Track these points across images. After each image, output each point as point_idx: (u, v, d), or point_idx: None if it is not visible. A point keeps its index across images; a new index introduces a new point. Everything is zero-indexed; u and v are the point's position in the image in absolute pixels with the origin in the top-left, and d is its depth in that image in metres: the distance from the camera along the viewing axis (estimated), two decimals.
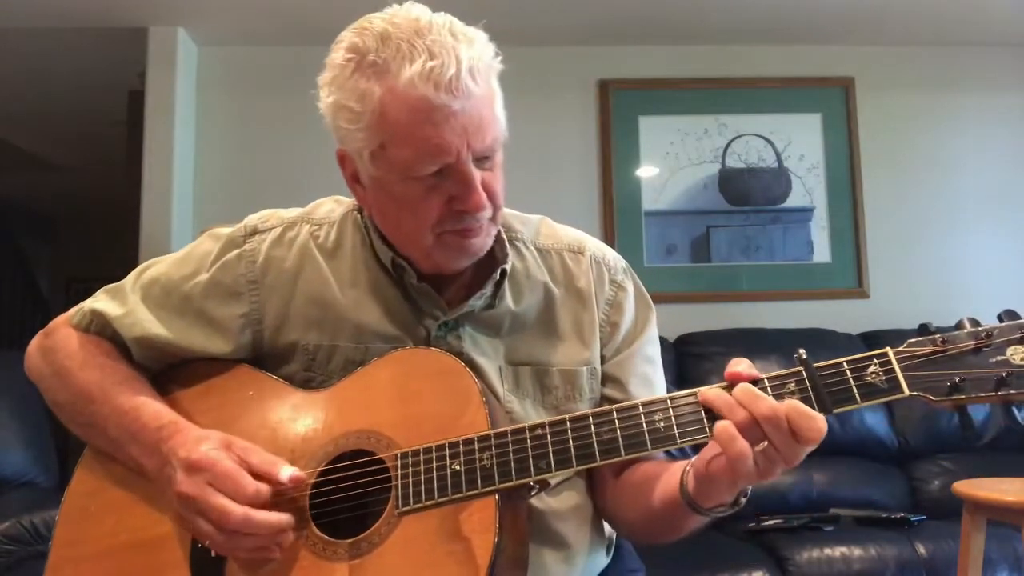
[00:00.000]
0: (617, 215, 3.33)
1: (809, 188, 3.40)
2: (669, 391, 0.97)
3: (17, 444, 2.46)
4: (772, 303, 3.30)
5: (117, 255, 3.23)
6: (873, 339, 3.06)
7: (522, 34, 3.13)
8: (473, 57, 0.88)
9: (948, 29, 3.35)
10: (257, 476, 0.88)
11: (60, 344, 1.06)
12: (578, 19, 3.17)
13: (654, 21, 3.25)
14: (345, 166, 0.99)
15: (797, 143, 3.42)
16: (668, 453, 0.96)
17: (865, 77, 3.45)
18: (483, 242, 0.99)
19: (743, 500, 0.87)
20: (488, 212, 0.95)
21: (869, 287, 3.34)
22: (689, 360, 2.85)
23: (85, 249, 6.05)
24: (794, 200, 3.39)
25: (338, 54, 0.92)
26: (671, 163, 3.39)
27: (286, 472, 0.88)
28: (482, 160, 0.93)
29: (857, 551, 2.27)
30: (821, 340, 2.98)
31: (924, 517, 2.49)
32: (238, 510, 0.85)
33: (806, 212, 3.39)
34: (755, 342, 2.95)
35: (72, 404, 1.02)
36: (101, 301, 1.07)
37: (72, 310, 1.08)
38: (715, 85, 3.42)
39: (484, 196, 0.92)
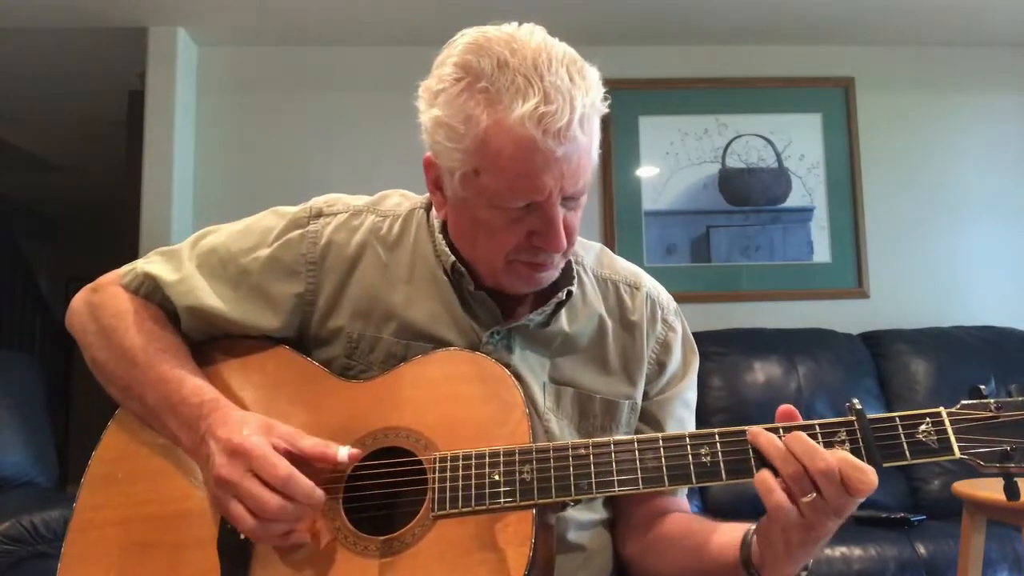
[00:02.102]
0: (617, 215, 3.33)
1: (809, 188, 3.40)
2: None
3: (17, 444, 2.46)
4: (772, 303, 3.30)
5: (117, 255, 3.22)
6: (873, 339, 3.06)
7: None
8: (586, 104, 0.87)
9: (948, 29, 3.35)
10: (310, 460, 0.88)
11: (108, 302, 1.05)
12: (578, 19, 3.17)
13: (654, 21, 3.25)
14: (429, 172, 0.98)
15: (797, 143, 3.42)
16: (702, 510, 0.95)
17: (865, 77, 3.45)
18: (551, 276, 1.00)
19: (803, 574, 0.85)
20: (564, 250, 0.95)
21: (869, 287, 3.35)
22: None
23: (85, 249, 6.03)
24: (794, 200, 3.39)
25: (448, 68, 0.90)
26: (671, 163, 3.39)
27: (343, 452, 0.89)
28: (569, 200, 0.93)
29: (857, 551, 2.26)
30: (821, 340, 2.99)
31: (924, 517, 2.48)
32: (274, 499, 0.84)
33: (806, 212, 3.39)
34: (755, 342, 2.95)
35: (113, 364, 1.01)
36: (155, 264, 1.06)
37: (123, 268, 1.08)
38: (715, 85, 3.42)
39: (564, 237, 0.92)
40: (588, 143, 0.90)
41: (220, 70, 3.34)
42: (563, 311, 1.04)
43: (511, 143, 0.86)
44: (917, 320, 3.15)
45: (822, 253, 3.37)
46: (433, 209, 1.05)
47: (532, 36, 0.90)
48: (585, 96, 0.87)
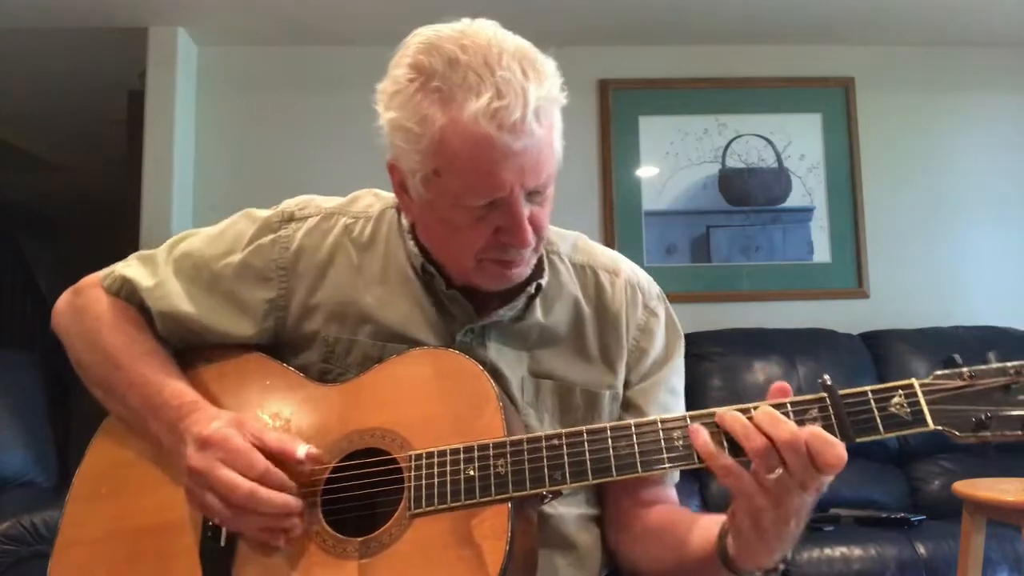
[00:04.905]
0: (617, 215, 3.33)
1: (809, 188, 3.40)
2: None
3: (17, 444, 2.46)
4: (772, 303, 3.30)
5: (117, 255, 3.22)
6: (873, 339, 3.06)
7: (522, 34, 3.11)
8: (541, 97, 0.86)
9: (948, 29, 3.35)
10: (272, 454, 0.89)
11: (90, 304, 1.06)
12: (578, 19, 3.18)
13: (654, 21, 3.25)
14: (394, 175, 0.98)
15: (797, 143, 3.42)
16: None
17: (865, 77, 3.45)
18: (523, 272, 0.98)
19: (782, 566, 0.85)
20: (532, 245, 0.94)
21: (869, 287, 3.34)
22: (689, 360, 2.82)
23: (85, 249, 6.01)
24: (794, 200, 3.39)
25: (401, 70, 0.90)
26: (671, 163, 3.39)
27: (302, 449, 0.89)
28: (533, 194, 0.92)
29: (857, 551, 2.26)
30: (821, 340, 2.99)
31: (924, 517, 2.48)
32: (245, 484, 0.85)
33: (806, 212, 3.39)
34: (755, 342, 2.95)
35: (97, 366, 1.02)
36: (133, 267, 1.07)
37: (104, 271, 1.08)
38: (715, 85, 3.42)
39: (530, 233, 0.91)
40: (547, 135, 0.89)
41: (220, 70, 3.34)
42: (538, 303, 1.03)
43: (467, 141, 0.85)
44: (917, 320, 3.15)
45: (822, 253, 3.37)
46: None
47: (483, 31, 0.89)
48: (539, 88, 0.86)
